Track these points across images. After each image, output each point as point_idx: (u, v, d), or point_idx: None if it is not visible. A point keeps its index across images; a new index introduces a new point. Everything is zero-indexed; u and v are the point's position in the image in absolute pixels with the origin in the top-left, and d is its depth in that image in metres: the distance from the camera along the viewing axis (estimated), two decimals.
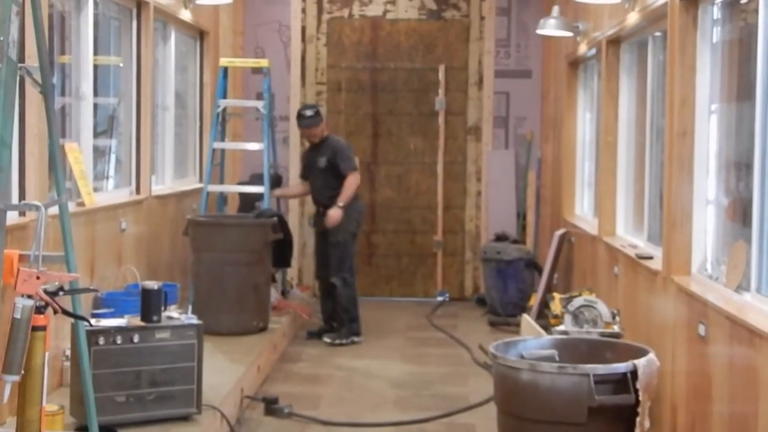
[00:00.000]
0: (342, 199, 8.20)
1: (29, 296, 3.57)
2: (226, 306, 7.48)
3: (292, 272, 10.03)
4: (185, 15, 8.54)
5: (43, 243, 3.68)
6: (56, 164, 4.15)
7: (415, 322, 9.42)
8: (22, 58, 3.91)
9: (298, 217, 10.49)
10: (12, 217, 5.11)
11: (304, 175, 8.69)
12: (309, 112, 8.39)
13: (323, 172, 8.35)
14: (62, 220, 4.11)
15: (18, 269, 3.60)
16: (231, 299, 7.52)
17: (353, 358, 7.91)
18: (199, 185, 9.14)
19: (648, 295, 6.00)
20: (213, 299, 7.51)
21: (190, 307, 7.47)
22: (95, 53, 6.77)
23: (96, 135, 6.94)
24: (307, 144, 8.83)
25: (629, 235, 7.24)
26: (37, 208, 3.71)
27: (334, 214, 8.17)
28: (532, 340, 5.52)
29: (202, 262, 7.67)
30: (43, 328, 3.66)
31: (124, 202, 7.22)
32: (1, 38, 3.36)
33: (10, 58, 3.39)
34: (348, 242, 8.38)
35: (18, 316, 3.54)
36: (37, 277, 3.59)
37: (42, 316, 3.63)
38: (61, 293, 3.75)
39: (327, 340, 8.29)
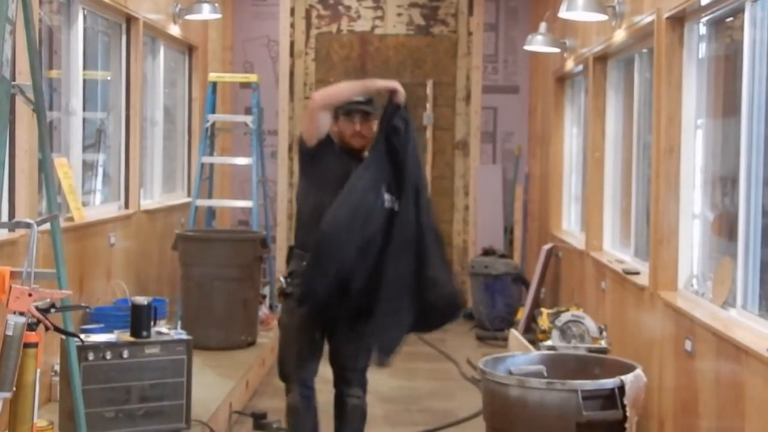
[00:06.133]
0: None
1: (21, 313, 3.57)
2: (214, 321, 7.48)
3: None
4: (174, 30, 8.56)
5: (35, 260, 3.68)
6: (49, 182, 4.16)
7: None
8: (13, 75, 3.92)
9: (286, 231, 10.48)
10: (2, 233, 5.13)
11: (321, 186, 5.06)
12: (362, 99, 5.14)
13: None
14: (54, 237, 4.12)
15: (10, 286, 3.59)
16: (220, 314, 7.51)
17: None
18: (187, 200, 9.15)
19: (635, 310, 6.03)
20: (202, 314, 7.50)
21: (179, 322, 7.47)
22: (84, 68, 6.79)
23: (83, 149, 6.95)
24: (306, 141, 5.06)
25: (616, 250, 7.28)
26: (29, 225, 3.71)
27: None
28: (520, 356, 5.54)
29: (191, 277, 7.67)
30: (35, 345, 3.65)
31: (113, 216, 7.22)
32: None
33: (3, 76, 3.40)
34: None
35: (10, 333, 3.53)
36: (30, 294, 3.58)
37: (34, 333, 3.63)
38: (53, 310, 3.75)
39: None
